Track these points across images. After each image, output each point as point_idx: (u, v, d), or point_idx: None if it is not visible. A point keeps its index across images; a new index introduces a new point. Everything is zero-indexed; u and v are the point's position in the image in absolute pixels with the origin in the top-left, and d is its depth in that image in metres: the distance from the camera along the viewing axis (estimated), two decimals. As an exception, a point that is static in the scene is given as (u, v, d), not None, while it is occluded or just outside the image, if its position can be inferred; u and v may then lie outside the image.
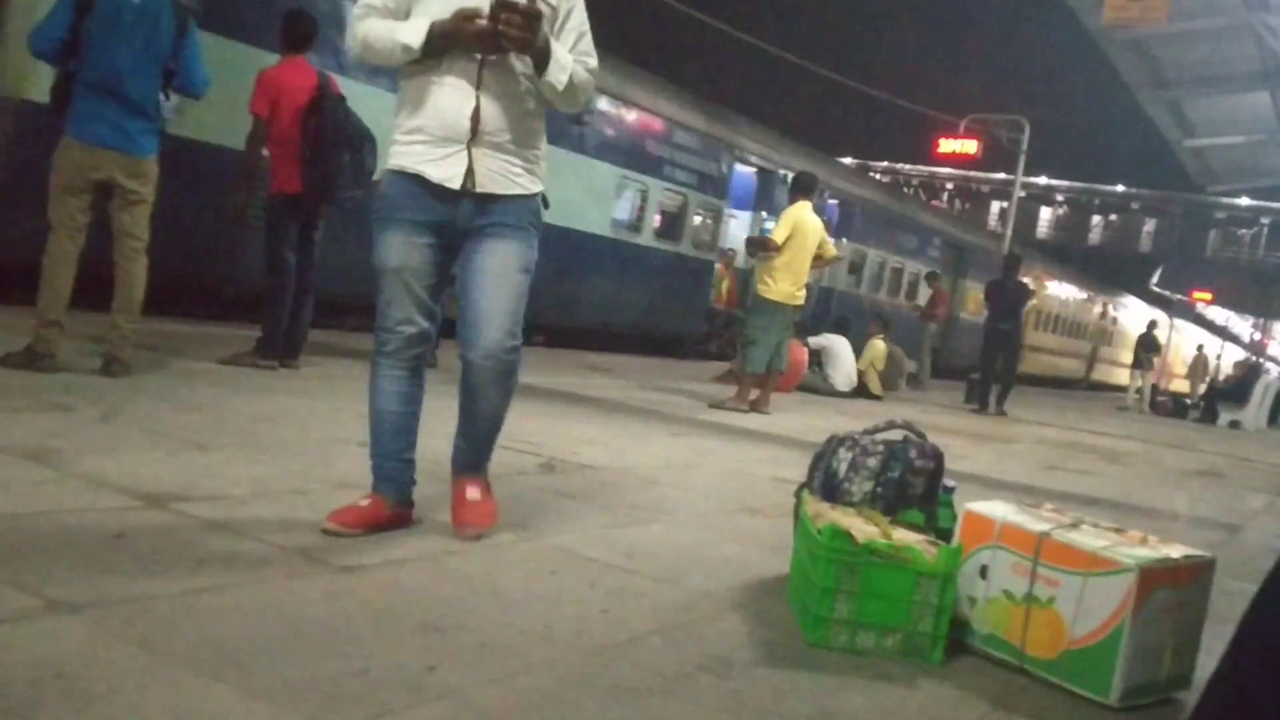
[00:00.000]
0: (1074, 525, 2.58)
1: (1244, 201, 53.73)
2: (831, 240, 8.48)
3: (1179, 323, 41.34)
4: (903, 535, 2.56)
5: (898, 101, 22.92)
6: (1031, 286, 15.24)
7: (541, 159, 2.93)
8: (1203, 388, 26.39)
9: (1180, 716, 2.38)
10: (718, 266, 16.18)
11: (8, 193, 6.76)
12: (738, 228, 16.47)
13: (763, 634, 2.49)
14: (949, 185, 61.74)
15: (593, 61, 2.92)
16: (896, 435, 3.05)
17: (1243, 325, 71.62)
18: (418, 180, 2.78)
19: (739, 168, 16.21)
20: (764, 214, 16.35)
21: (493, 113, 2.75)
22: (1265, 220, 56.79)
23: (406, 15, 2.78)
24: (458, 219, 2.81)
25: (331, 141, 5.95)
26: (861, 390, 11.77)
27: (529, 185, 2.87)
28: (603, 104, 12.94)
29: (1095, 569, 2.36)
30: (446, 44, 2.71)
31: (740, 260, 15.99)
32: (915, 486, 2.94)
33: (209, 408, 4.48)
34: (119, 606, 2.05)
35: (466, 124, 2.73)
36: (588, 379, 8.69)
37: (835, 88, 23.51)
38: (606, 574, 2.81)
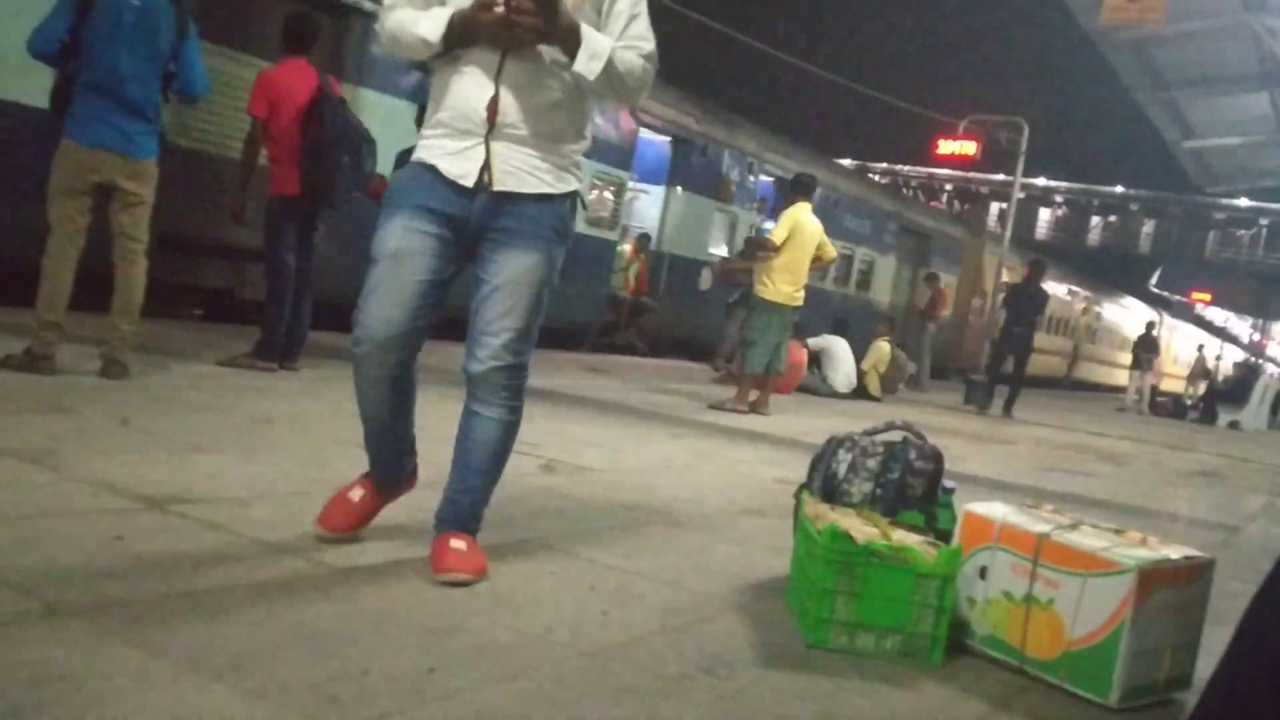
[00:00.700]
0: (1073, 526, 2.58)
1: (1243, 202, 53.75)
2: (824, 240, 8.40)
3: (1173, 321, 41.17)
4: (902, 536, 2.56)
5: (896, 103, 22.85)
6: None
7: (578, 157, 2.67)
8: (1202, 388, 26.40)
9: (1180, 717, 2.38)
10: (625, 249, 14.12)
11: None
12: (648, 205, 14.57)
13: (763, 635, 2.49)
14: (948, 186, 61.77)
15: (648, 46, 2.64)
16: (896, 436, 3.05)
17: (1241, 326, 71.65)
18: (433, 172, 2.57)
19: (647, 135, 13.84)
20: (679, 189, 14.36)
21: (513, 103, 2.52)
22: (1264, 221, 56.80)
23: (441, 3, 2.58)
24: (472, 216, 2.56)
25: (331, 143, 5.94)
26: (861, 392, 11.77)
27: (556, 185, 2.61)
28: None
29: (1095, 570, 2.36)
30: (468, 35, 2.52)
31: (655, 243, 14.30)
32: (915, 488, 2.94)
33: (208, 410, 4.48)
34: (118, 609, 2.05)
35: (483, 114, 2.51)
36: (586, 380, 8.69)
37: (834, 89, 23.48)
38: (606, 575, 2.81)
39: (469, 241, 2.58)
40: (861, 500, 2.90)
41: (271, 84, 5.97)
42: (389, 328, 2.51)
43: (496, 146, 2.53)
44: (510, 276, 2.55)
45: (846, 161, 41.29)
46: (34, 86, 5.61)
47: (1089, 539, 2.47)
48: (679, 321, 14.73)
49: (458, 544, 2.58)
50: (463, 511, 2.64)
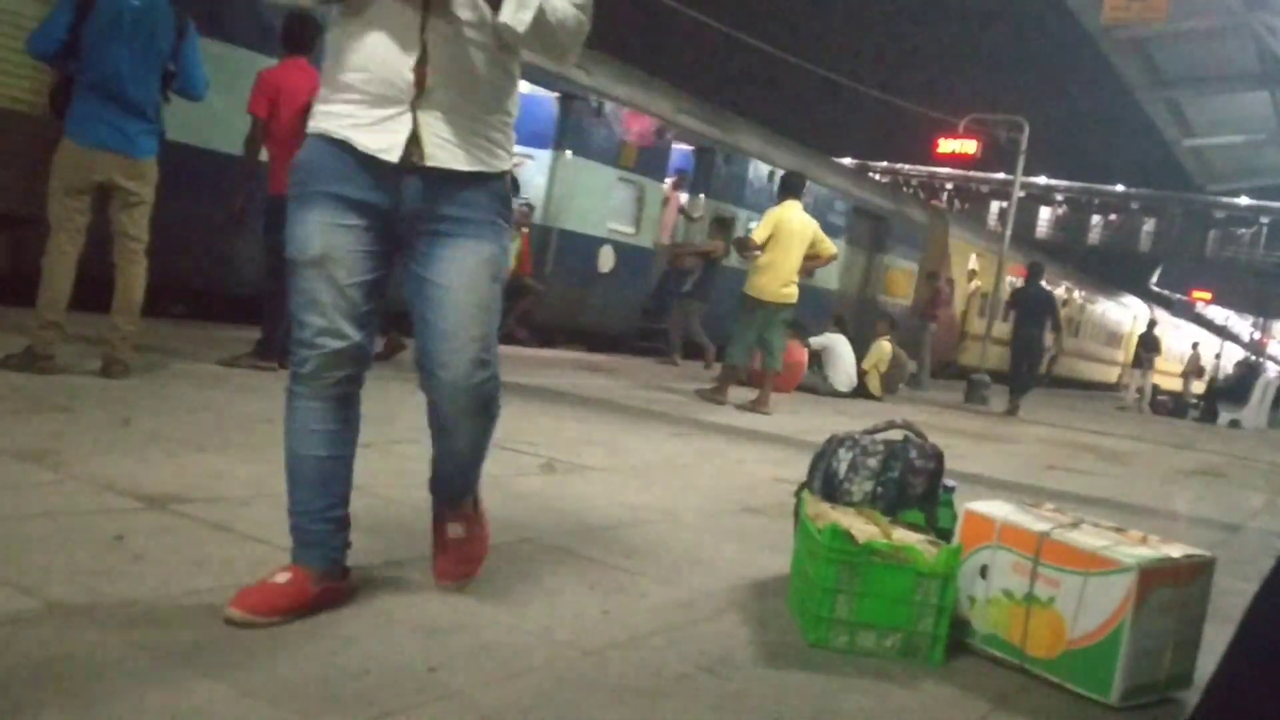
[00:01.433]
0: (1074, 525, 2.58)
1: (1243, 201, 53.75)
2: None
3: (1167, 316, 40.82)
4: (903, 535, 2.56)
5: (896, 101, 22.86)
6: (1057, 294, 15.19)
7: (511, 128, 2.31)
8: (1198, 386, 26.38)
9: (1180, 716, 2.38)
10: None
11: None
12: (533, 172, 12.00)
13: (763, 634, 2.49)
14: (948, 185, 61.77)
15: None
16: (897, 435, 3.05)
17: (1242, 325, 71.65)
18: (345, 148, 2.16)
19: (530, 90, 11.23)
20: (568, 154, 12.11)
21: (446, 63, 2.14)
22: (1264, 220, 56.79)
23: None
24: (402, 203, 2.19)
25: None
26: (861, 391, 11.77)
27: (493, 161, 2.24)
28: None
29: (1095, 568, 2.36)
30: None
31: (539, 216, 11.93)
32: (915, 486, 2.94)
33: (209, 409, 4.48)
34: (119, 608, 2.05)
35: (409, 78, 2.11)
36: (587, 379, 8.69)
37: (834, 88, 23.40)
38: (607, 574, 2.81)
39: (401, 231, 2.23)
40: (862, 499, 2.90)
41: (271, 83, 5.97)
42: (338, 340, 2.20)
43: (426, 116, 2.15)
44: (465, 277, 2.20)
45: (847, 160, 41.07)
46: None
47: (1090, 538, 2.47)
48: (570, 307, 12.45)
49: (455, 532, 2.44)
50: (455, 492, 2.46)
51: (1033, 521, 2.56)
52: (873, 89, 22.88)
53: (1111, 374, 33.99)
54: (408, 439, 3.92)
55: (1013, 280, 19.46)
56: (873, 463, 2.95)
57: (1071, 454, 8.74)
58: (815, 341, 11.79)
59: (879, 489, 2.92)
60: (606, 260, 12.66)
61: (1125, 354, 34.15)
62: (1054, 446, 9.26)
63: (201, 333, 7.24)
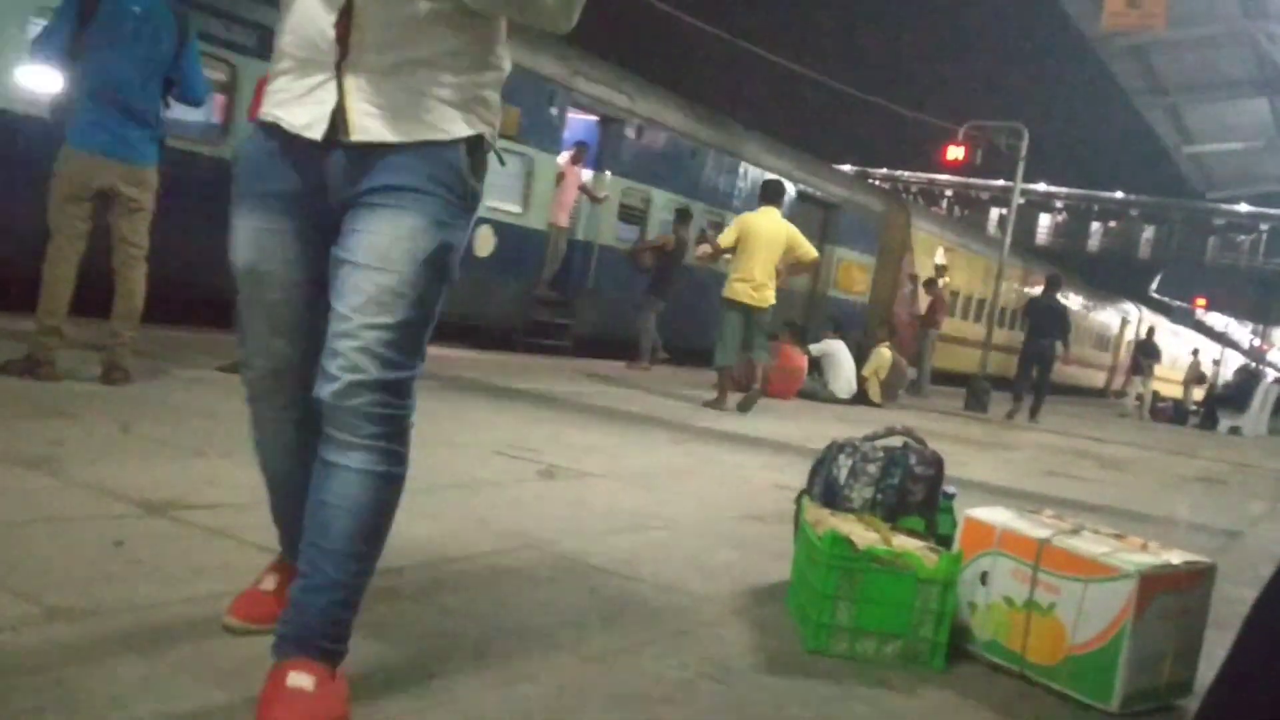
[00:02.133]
0: (1074, 531, 2.58)
1: (1243, 208, 53.80)
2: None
3: (1167, 323, 40.37)
4: (903, 541, 2.56)
5: (895, 109, 22.84)
6: (1070, 307, 15.21)
7: (484, 92, 1.88)
8: (1199, 393, 26.36)
9: (1181, 723, 2.38)
10: None
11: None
12: None
13: (763, 641, 2.49)
14: (948, 192, 61.84)
15: None
16: (896, 442, 3.05)
17: (1242, 331, 71.67)
18: (276, 133, 1.84)
19: None
20: None
21: (375, 16, 1.76)
22: (1264, 227, 56.85)
23: None
24: (330, 187, 1.82)
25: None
26: (861, 397, 11.77)
27: (443, 126, 1.81)
28: None
29: (1096, 575, 2.36)
30: None
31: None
32: (915, 493, 2.94)
33: (209, 415, 4.48)
34: (119, 615, 2.05)
35: (330, 35, 1.76)
36: (586, 386, 8.69)
37: (834, 95, 23.34)
38: (607, 581, 2.81)
39: (333, 220, 1.83)
40: (862, 505, 2.90)
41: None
42: (275, 359, 1.91)
43: (353, 81, 1.78)
44: (375, 250, 1.76)
45: (846, 167, 40.52)
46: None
47: (1090, 544, 2.47)
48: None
49: (299, 681, 1.69)
50: (311, 622, 1.75)
51: (1033, 528, 2.55)
52: (873, 95, 22.88)
53: (1098, 379, 32.91)
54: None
55: (1019, 289, 19.28)
56: (873, 469, 2.96)
57: (1071, 460, 8.73)
58: (815, 348, 11.81)
59: (879, 495, 2.92)
60: (485, 244, 11.39)
61: (1114, 358, 33.73)
62: (1054, 453, 9.25)
63: (202, 338, 7.24)
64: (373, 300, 1.73)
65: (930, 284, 17.49)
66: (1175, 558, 2.48)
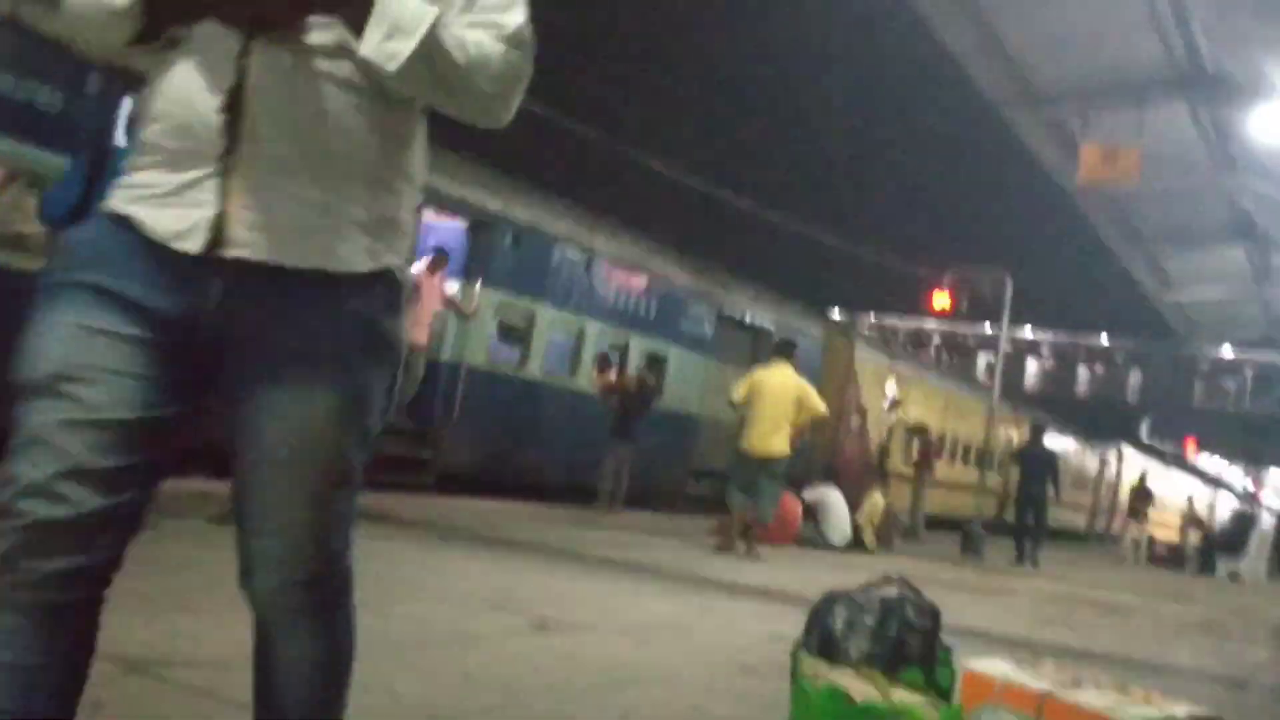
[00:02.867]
0: (1075, 683, 2.53)
1: (1227, 355, 54.49)
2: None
3: (1160, 467, 40.15)
4: (902, 696, 2.50)
5: (875, 257, 23.27)
6: (1058, 455, 15.79)
7: (401, 214, 1.56)
8: (1195, 536, 26.22)
9: None
10: None
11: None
12: None
13: (761, 802, 2.41)
14: (936, 339, 62.64)
15: (511, 21, 1.50)
16: (893, 592, 3.02)
17: (1235, 473, 71.65)
18: (127, 228, 1.45)
19: None
20: None
21: (276, 104, 1.42)
22: (1249, 372, 57.47)
23: None
24: (204, 314, 1.44)
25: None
26: (857, 544, 11.68)
27: (347, 255, 1.47)
28: None
29: (1100, 730, 2.30)
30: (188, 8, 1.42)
31: None
32: (912, 645, 2.90)
33: (193, 568, 4.42)
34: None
35: (213, 121, 1.41)
36: (576, 532, 8.60)
37: (819, 244, 23.75)
38: (599, 739, 2.73)
39: (205, 352, 1.46)
40: (859, 658, 2.85)
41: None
42: (41, 507, 1.36)
43: (240, 181, 1.42)
44: (289, 441, 1.46)
45: (834, 313, 40.74)
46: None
47: (1093, 697, 2.42)
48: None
49: None
50: None
51: (1034, 680, 2.51)
52: (858, 244, 23.41)
53: (1078, 519, 31.76)
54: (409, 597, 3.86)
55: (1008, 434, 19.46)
56: (869, 620, 2.91)
57: (1070, 607, 8.61)
58: (809, 495, 11.76)
59: (876, 647, 2.87)
60: None
61: (1093, 499, 33.39)
62: (1052, 600, 9.13)
63: (190, 487, 7.19)
64: (294, 500, 1.47)
65: (921, 431, 17.60)
66: (1180, 710, 2.44)
